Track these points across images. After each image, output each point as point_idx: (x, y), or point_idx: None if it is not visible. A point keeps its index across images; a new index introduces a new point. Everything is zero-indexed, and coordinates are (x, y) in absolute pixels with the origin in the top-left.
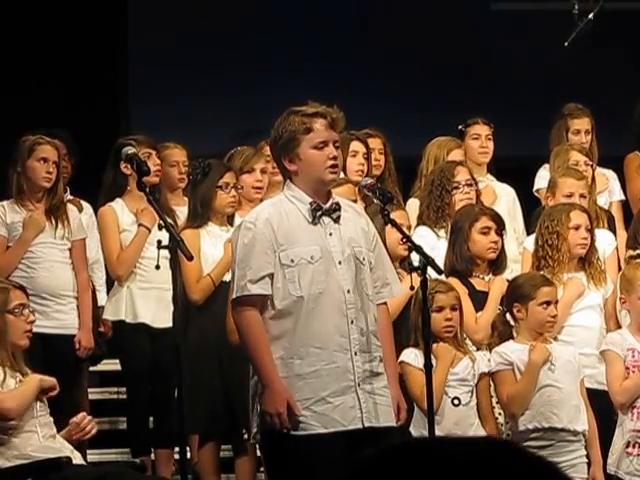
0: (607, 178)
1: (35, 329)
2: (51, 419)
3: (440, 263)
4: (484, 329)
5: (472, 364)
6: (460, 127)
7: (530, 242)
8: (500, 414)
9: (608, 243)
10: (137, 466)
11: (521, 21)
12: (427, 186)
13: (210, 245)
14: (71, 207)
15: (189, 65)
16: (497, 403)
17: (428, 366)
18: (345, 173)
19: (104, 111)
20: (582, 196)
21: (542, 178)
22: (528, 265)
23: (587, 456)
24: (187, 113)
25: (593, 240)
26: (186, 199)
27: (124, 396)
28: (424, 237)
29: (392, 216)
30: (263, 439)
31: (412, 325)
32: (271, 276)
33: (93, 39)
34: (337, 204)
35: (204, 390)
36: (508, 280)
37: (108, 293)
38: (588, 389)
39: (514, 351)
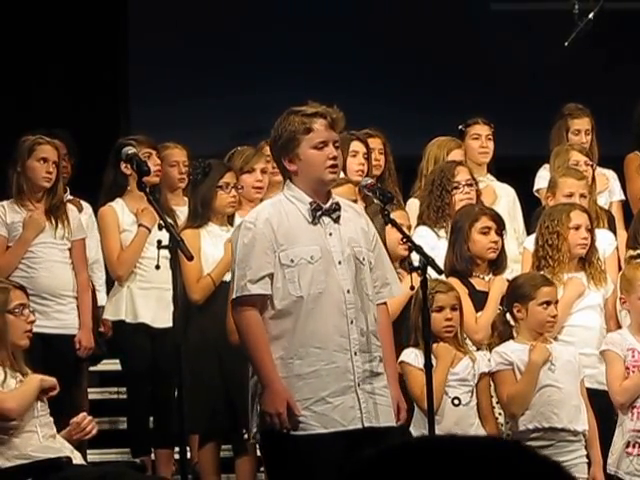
0: (607, 178)
1: (35, 329)
2: (51, 419)
3: (440, 263)
4: (484, 329)
5: (472, 364)
6: (460, 127)
7: (530, 242)
8: (500, 414)
9: (608, 243)
10: (137, 466)
11: (521, 21)
12: (427, 186)
13: (210, 245)
14: (71, 207)
15: (189, 65)
16: (497, 403)
17: (428, 366)
18: (345, 173)
19: (104, 111)
20: (582, 196)
21: (542, 178)
22: (528, 265)
23: (587, 456)
24: (187, 113)
25: (593, 240)
26: (186, 199)
27: (124, 396)
28: (424, 237)
29: (392, 216)
30: (263, 439)
31: (412, 325)
32: (271, 276)
33: (93, 39)
34: (337, 204)
35: (204, 390)
36: (508, 280)
37: (108, 293)
38: (588, 389)
39: (514, 351)
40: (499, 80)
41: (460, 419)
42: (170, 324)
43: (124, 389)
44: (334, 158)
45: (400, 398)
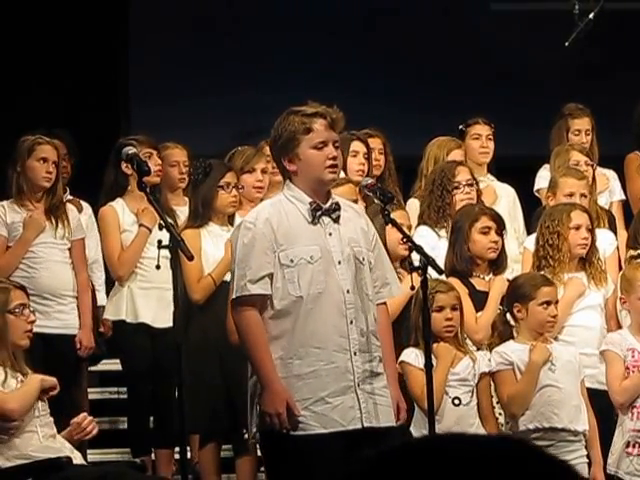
0: (607, 178)
1: (36, 329)
2: (51, 419)
3: (441, 263)
4: (484, 329)
5: (472, 364)
6: (461, 127)
7: (531, 242)
8: (500, 414)
9: (609, 243)
10: (137, 466)
11: (521, 21)
12: (428, 186)
13: (211, 245)
14: (70, 207)
15: (189, 65)
16: (497, 403)
17: (428, 366)
18: (346, 173)
19: (104, 111)
20: (583, 196)
21: (543, 178)
22: (529, 265)
23: (587, 456)
24: (187, 113)
25: (594, 240)
26: (186, 199)
27: (124, 396)
28: (425, 237)
29: (392, 216)
30: (262, 439)
31: (412, 325)
32: (271, 276)
33: (94, 39)
34: (337, 204)
35: (205, 390)
36: (508, 280)
37: (107, 293)
38: (589, 389)
39: (514, 351)
40: (499, 80)
41: (460, 419)
42: (171, 324)
43: (124, 389)
44: (334, 158)
45: (400, 398)
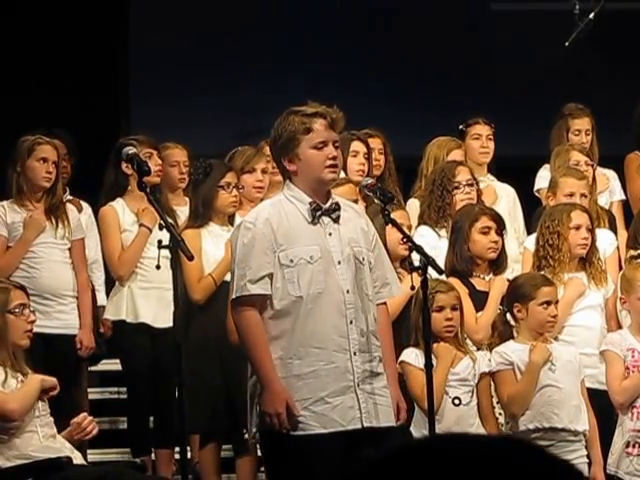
0: (608, 178)
1: (37, 329)
2: (51, 419)
3: (441, 263)
4: (484, 329)
5: (473, 364)
6: (461, 127)
7: (531, 242)
8: (500, 414)
9: (609, 243)
10: (137, 466)
11: (521, 21)
12: (428, 186)
13: (211, 245)
14: (70, 207)
15: (189, 65)
16: (497, 403)
17: (429, 366)
18: (346, 173)
19: (105, 111)
20: (583, 196)
21: (543, 178)
22: (529, 265)
23: (588, 456)
24: (187, 113)
25: (594, 240)
26: (187, 199)
27: (124, 396)
28: (425, 237)
29: (392, 216)
30: (262, 439)
31: (412, 325)
32: (271, 276)
33: (94, 39)
34: (337, 204)
35: (205, 390)
36: (508, 280)
37: (107, 293)
38: (589, 389)
39: (514, 351)
40: (499, 80)
41: (460, 419)
42: (171, 324)
43: (124, 389)
44: (334, 158)
45: (400, 398)
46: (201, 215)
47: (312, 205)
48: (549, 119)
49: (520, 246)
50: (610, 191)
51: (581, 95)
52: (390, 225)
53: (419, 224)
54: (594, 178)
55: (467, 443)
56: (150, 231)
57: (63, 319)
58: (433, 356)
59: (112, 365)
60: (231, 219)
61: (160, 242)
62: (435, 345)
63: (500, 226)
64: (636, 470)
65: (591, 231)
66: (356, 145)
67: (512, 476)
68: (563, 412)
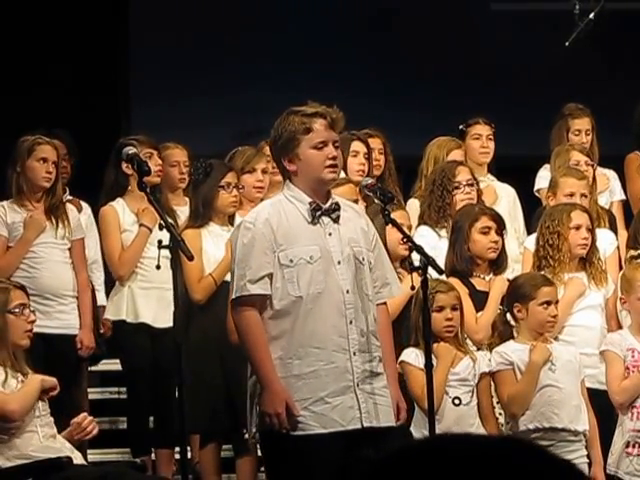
0: (608, 178)
1: (37, 329)
2: (52, 419)
3: (441, 263)
4: (484, 329)
5: (473, 364)
6: (461, 127)
7: (531, 242)
8: (501, 414)
9: (609, 242)
10: (137, 466)
11: (521, 21)
12: (428, 186)
13: (212, 245)
14: (70, 207)
15: (190, 65)
16: (497, 403)
17: (429, 366)
18: (346, 173)
19: (105, 111)
20: (583, 196)
21: (543, 178)
22: (529, 265)
23: (588, 456)
24: (187, 113)
25: (594, 240)
26: (187, 199)
27: (124, 396)
28: (425, 237)
29: (393, 216)
30: (262, 439)
31: (413, 325)
32: (270, 276)
33: (94, 39)
34: (336, 204)
35: (205, 390)
36: (509, 280)
37: (107, 293)
38: (589, 389)
39: (514, 351)
40: (499, 80)
41: (460, 419)
42: (171, 324)
43: (124, 389)
44: (334, 158)
45: (400, 398)
46: (201, 215)
47: (312, 205)
48: (549, 119)
49: (520, 246)
50: (610, 191)
51: (581, 95)
52: (390, 225)
53: (419, 224)
54: (594, 178)
55: (468, 443)
56: (150, 231)
57: (64, 319)
58: (433, 356)
59: (112, 365)
60: (231, 219)
61: (160, 242)
62: (435, 345)
63: (500, 226)
64: (636, 470)
65: (591, 231)
66: (356, 145)
67: (513, 476)
68: (563, 412)
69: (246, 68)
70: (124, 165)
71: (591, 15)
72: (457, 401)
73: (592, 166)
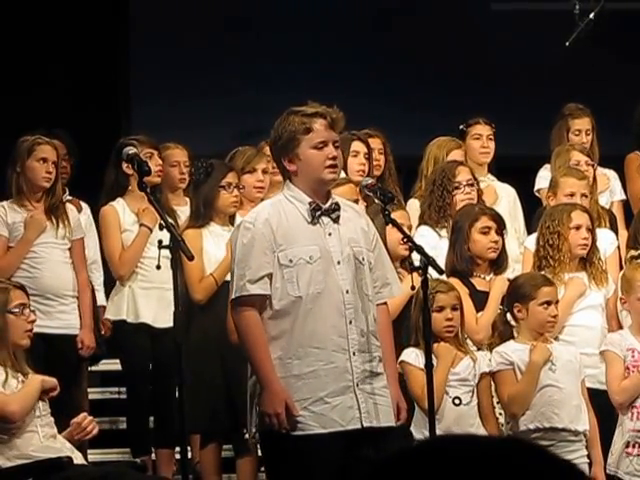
0: (608, 178)
1: (38, 329)
2: (52, 419)
3: (442, 263)
4: (485, 329)
5: (473, 364)
6: (461, 127)
7: (531, 242)
8: (501, 414)
9: (609, 242)
10: (138, 466)
11: (521, 21)
12: (428, 186)
13: (213, 245)
14: (70, 207)
15: (190, 65)
16: (498, 403)
17: (429, 366)
18: (346, 173)
19: (105, 111)
20: (583, 196)
21: (543, 178)
22: (529, 265)
23: (588, 456)
24: (187, 113)
25: (594, 240)
26: (187, 199)
27: (124, 396)
28: (426, 237)
29: (393, 216)
30: (262, 439)
31: (413, 325)
32: (270, 276)
33: (94, 39)
34: (336, 204)
35: (206, 390)
36: (509, 280)
37: (107, 293)
38: (590, 389)
39: (515, 351)
40: (499, 80)
41: (460, 419)
42: (171, 324)
43: (124, 389)
44: (334, 158)
45: (400, 398)
46: (202, 215)
47: (312, 205)
48: (549, 119)
49: (520, 246)
50: (610, 191)
51: (581, 95)
52: (390, 225)
53: (419, 224)
54: (594, 178)
55: (468, 444)
56: (150, 231)
57: (64, 319)
58: (433, 356)
59: (112, 365)
60: (232, 219)
61: (160, 242)
62: (435, 345)
63: (500, 226)
64: (636, 470)
65: (591, 231)
66: (356, 145)
67: (514, 476)
68: (563, 412)
69: (246, 68)
70: (124, 165)
71: (591, 15)
72: (457, 401)
73: (592, 166)
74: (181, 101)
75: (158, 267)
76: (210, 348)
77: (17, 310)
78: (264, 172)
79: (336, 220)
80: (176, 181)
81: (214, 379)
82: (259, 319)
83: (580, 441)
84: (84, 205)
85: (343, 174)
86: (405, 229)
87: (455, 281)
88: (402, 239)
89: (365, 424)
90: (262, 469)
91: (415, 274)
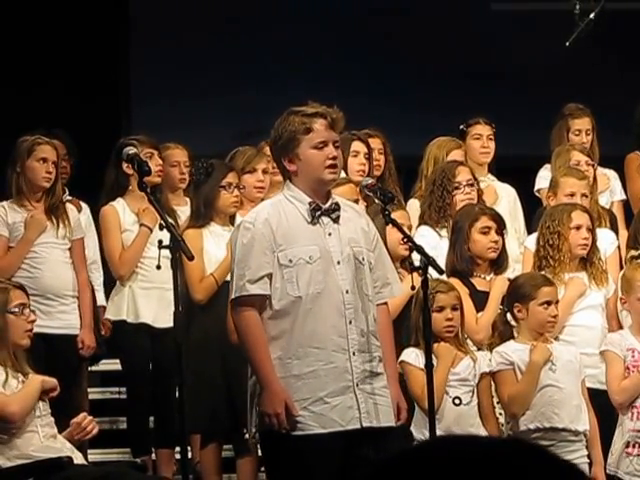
0: (608, 178)
1: (39, 329)
2: (52, 419)
3: (442, 263)
4: (485, 329)
5: (473, 364)
6: (461, 127)
7: (531, 241)
8: (501, 414)
9: (610, 242)
10: (138, 466)
11: (521, 21)
12: (428, 186)
13: (213, 245)
14: (70, 207)
15: (190, 65)
16: (498, 403)
17: (429, 366)
18: (346, 173)
19: (105, 111)
20: (584, 196)
21: (543, 178)
22: (529, 265)
23: (588, 456)
24: (188, 113)
25: (594, 240)
26: (187, 199)
27: (124, 396)
28: (426, 237)
29: (393, 216)
30: (262, 439)
31: (413, 325)
32: (270, 276)
33: (94, 39)
34: (336, 204)
35: (206, 390)
36: (509, 280)
37: (107, 293)
38: (590, 389)
39: (515, 351)
40: (499, 80)
41: (461, 419)
42: (171, 324)
43: (124, 389)
44: (334, 158)
45: (400, 398)
46: (202, 215)
47: (312, 205)
48: (549, 119)
49: (520, 246)
50: (611, 191)
51: (581, 95)
52: (390, 225)
53: (420, 224)
54: (595, 178)
55: (469, 444)
56: (151, 231)
57: (65, 319)
58: (433, 356)
59: (112, 365)
60: (232, 219)
61: (160, 242)
62: (435, 345)
63: (500, 226)
64: (636, 470)
65: (592, 231)
66: (357, 145)
67: (514, 477)
68: (564, 412)
69: (246, 68)
70: (124, 165)
71: (591, 15)
72: (457, 401)
73: (592, 166)
74: (181, 101)
75: (158, 267)
76: (210, 348)
77: (17, 310)
78: (264, 172)
79: (336, 220)
80: (176, 181)
81: (214, 379)
82: (259, 319)
83: (580, 441)
84: (84, 205)
85: (343, 174)
86: (405, 229)
87: (455, 281)
88: (402, 239)
89: (365, 424)
90: (262, 469)
91: (415, 274)
